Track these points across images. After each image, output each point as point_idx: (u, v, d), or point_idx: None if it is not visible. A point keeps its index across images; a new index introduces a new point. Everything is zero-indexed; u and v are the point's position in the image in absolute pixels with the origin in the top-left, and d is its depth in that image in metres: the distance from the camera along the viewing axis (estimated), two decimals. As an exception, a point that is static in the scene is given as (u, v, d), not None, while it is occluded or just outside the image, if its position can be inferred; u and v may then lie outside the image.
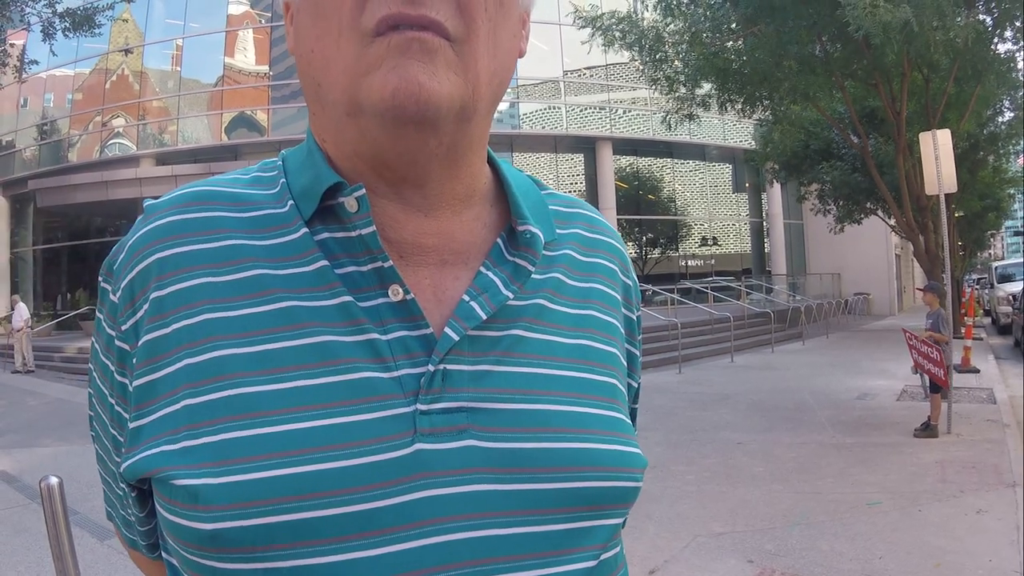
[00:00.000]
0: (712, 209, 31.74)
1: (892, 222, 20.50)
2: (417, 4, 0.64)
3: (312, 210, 0.73)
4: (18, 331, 17.61)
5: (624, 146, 28.73)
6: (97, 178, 23.15)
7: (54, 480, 2.60)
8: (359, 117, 0.67)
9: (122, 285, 0.74)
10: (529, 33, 0.80)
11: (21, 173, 28.54)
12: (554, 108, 27.50)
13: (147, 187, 21.70)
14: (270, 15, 26.72)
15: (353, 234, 0.71)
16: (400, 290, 0.70)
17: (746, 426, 9.11)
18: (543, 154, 27.58)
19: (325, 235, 0.73)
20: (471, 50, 0.68)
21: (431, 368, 0.69)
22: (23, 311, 18.12)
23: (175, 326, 0.70)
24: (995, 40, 12.52)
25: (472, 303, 0.72)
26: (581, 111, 27.93)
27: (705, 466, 7.21)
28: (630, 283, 0.90)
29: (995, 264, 30.49)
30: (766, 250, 33.10)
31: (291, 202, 0.74)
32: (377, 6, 0.64)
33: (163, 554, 0.77)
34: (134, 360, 0.72)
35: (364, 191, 0.70)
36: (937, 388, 8.25)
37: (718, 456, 7.61)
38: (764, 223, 33.05)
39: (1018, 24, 12.12)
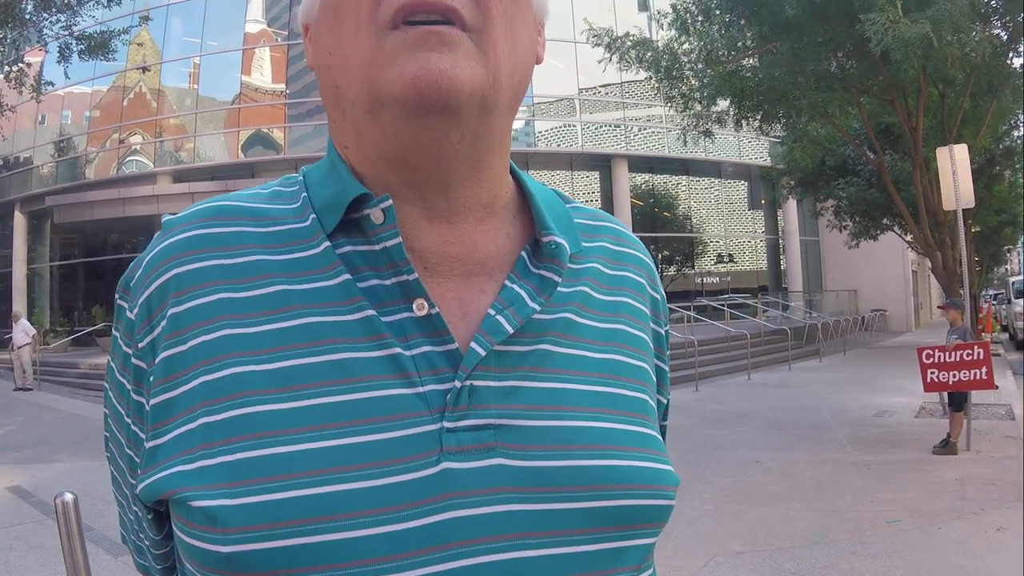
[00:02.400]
0: (728, 226, 31.67)
1: (909, 238, 20.43)
2: None
3: (336, 222, 0.71)
4: (20, 348, 17.31)
5: (640, 163, 28.74)
6: (114, 195, 23.29)
7: (69, 496, 2.60)
8: (380, 113, 0.66)
9: (139, 302, 0.73)
10: (546, 43, 0.80)
11: (38, 189, 28.69)
12: (569, 126, 27.53)
13: (164, 204, 21.81)
14: (287, 33, 26.91)
15: (377, 247, 0.70)
16: (425, 304, 0.69)
17: (764, 444, 9.05)
18: (559, 172, 27.58)
19: (348, 248, 0.71)
20: (490, 40, 0.67)
21: (458, 384, 0.67)
22: (26, 328, 17.85)
23: (193, 343, 0.69)
24: (1010, 55, 12.48)
25: (498, 317, 0.70)
26: (597, 129, 27.96)
27: (723, 485, 7.16)
28: (658, 297, 0.88)
29: (1012, 279, 30.28)
30: (782, 267, 32.97)
31: (313, 216, 0.73)
32: None
33: None
34: (151, 378, 0.71)
35: (391, 202, 0.69)
36: (960, 405, 8.17)
37: (736, 475, 7.56)
38: (780, 240, 32.94)
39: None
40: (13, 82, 18.15)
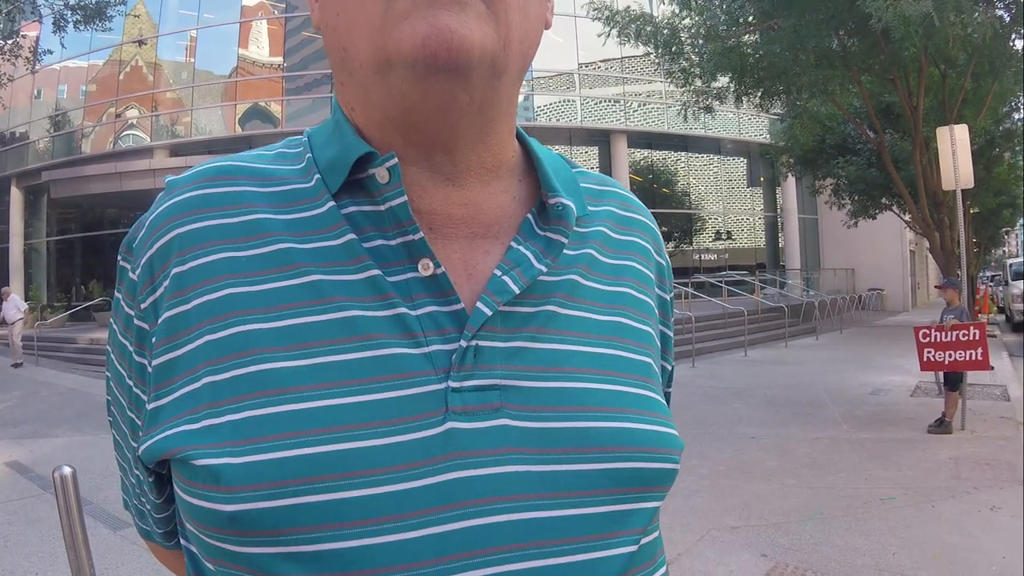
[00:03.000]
0: (726, 203, 31.69)
1: (907, 218, 20.42)
2: None
3: (340, 182, 0.71)
4: (12, 324, 17.13)
5: (639, 139, 28.71)
6: (111, 169, 23.16)
7: (67, 470, 2.61)
8: (388, 73, 0.65)
9: (141, 262, 0.72)
10: (553, 7, 0.79)
11: (35, 164, 28.61)
12: (569, 101, 27.46)
13: (161, 178, 21.54)
14: (284, 6, 26.75)
15: (382, 207, 0.70)
16: (431, 264, 0.69)
17: (760, 420, 9.09)
18: (558, 146, 27.47)
19: (352, 208, 0.71)
20: (502, 3, 0.66)
21: (463, 344, 0.67)
22: (18, 303, 17.62)
23: (196, 302, 0.68)
24: (1013, 37, 12.42)
25: (504, 277, 0.70)
26: (596, 104, 27.89)
27: (719, 460, 7.20)
28: (663, 263, 0.89)
29: (1010, 261, 30.30)
30: (780, 244, 33.03)
31: (317, 176, 0.73)
32: None
33: (181, 541, 0.75)
34: (153, 339, 0.70)
35: (396, 160, 0.68)
36: (955, 385, 8.19)
37: (732, 450, 7.59)
38: (778, 217, 32.97)
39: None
40: (7, 54, 18.03)
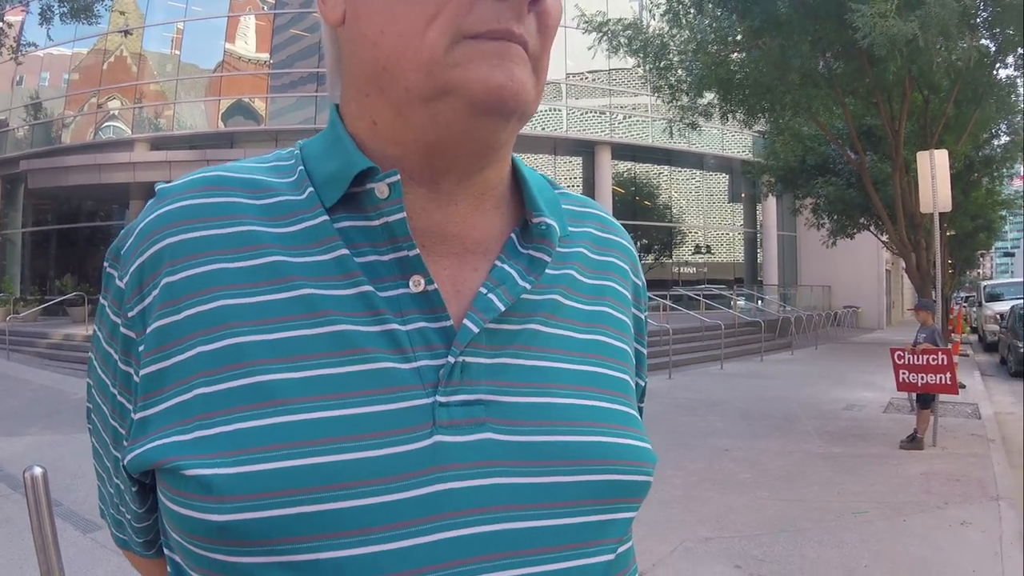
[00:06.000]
0: (707, 218, 31.86)
1: (885, 238, 20.61)
2: (519, 22, 0.68)
3: (338, 196, 0.72)
4: None
5: (623, 151, 28.77)
6: (90, 160, 22.78)
7: (38, 470, 2.54)
8: (438, 102, 0.68)
9: (130, 270, 0.72)
10: None
11: (13, 153, 28.14)
12: (555, 110, 27.45)
13: (140, 172, 21.44)
14: (274, 2, 26.61)
15: (376, 223, 0.71)
16: (422, 280, 0.70)
17: (734, 433, 9.14)
18: (542, 155, 27.53)
19: (346, 223, 0.72)
20: (540, 65, 0.73)
21: (451, 360, 0.69)
22: None
23: (188, 312, 0.68)
24: (997, 66, 12.60)
25: (490, 295, 0.73)
26: (582, 114, 27.94)
27: (693, 471, 7.24)
28: (640, 283, 0.92)
29: (984, 283, 30.69)
30: (759, 260, 33.20)
31: (310, 189, 0.74)
32: (486, 15, 0.67)
33: (165, 551, 0.75)
34: (141, 348, 0.70)
35: (399, 177, 0.70)
36: (927, 403, 8.30)
37: (706, 462, 7.64)
38: (758, 234, 33.15)
39: (1020, 51, 12.19)
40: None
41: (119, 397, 0.74)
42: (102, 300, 0.77)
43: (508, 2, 0.67)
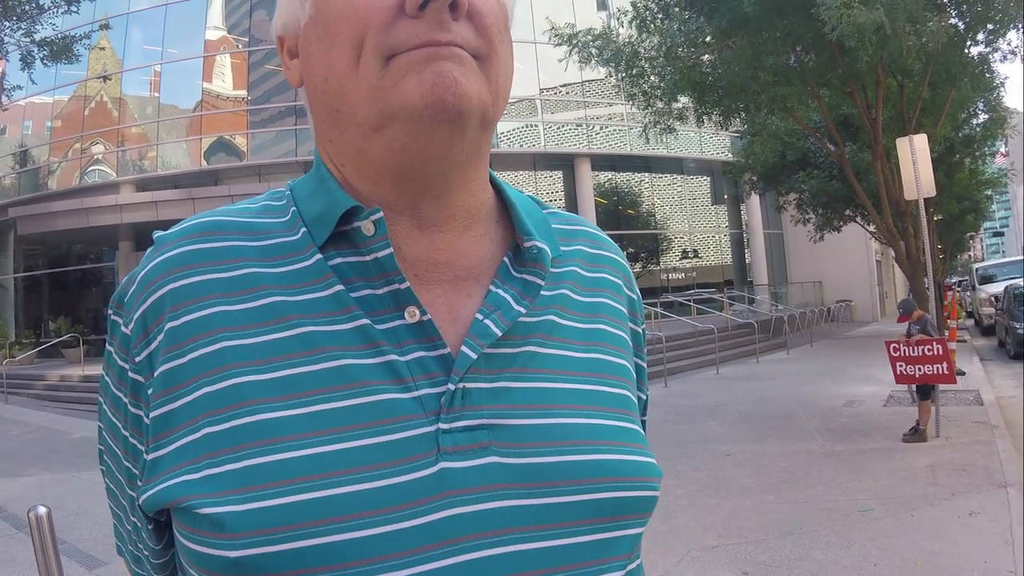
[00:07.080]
0: (692, 222, 31.88)
1: (872, 228, 20.64)
2: (445, 30, 0.68)
3: (326, 235, 0.74)
4: None
5: (602, 162, 28.84)
6: (77, 205, 22.89)
7: (42, 510, 2.63)
8: (387, 129, 0.70)
9: (135, 317, 0.74)
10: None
11: (1, 201, 28.27)
12: (532, 126, 27.52)
13: (127, 213, 21.54)
14: (247, 40, 26.70)
15: (368, 258, 0.73)
16: (416, 311, 0.72)
17: (734, 437, 9.12)
18: (522, 172, 27.61)
19: (338, 260, 0.74)
20: (491, 66, 0.73)
21: (451, 387, 0.70)
22: None
23: (192, 355, 0.70)
24: (968, 44, 12.64)
25: (486, 321, 0.74)
26: (559, 128, 28.00)
27: (695, 479, 7.20)
28: (635, 297, 0.93)
29: (976, 266, 30.78)
30: (747, 261, 33.24)
31: (303, 229, 0.76)
32: (404, 34, 0.68)
33: None
34: (149, 391, 0.72)
35: (381, 214, 0.72)
36: (927, 394, 8.27)
37: (708, 468, 7.61)
38: (744, 234, 33.20)
39: (989, 27, 12.24)
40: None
41: (131, 439, 0.76)
42: (108, 347, 0.79)
43: (424, 18, 0.68)
